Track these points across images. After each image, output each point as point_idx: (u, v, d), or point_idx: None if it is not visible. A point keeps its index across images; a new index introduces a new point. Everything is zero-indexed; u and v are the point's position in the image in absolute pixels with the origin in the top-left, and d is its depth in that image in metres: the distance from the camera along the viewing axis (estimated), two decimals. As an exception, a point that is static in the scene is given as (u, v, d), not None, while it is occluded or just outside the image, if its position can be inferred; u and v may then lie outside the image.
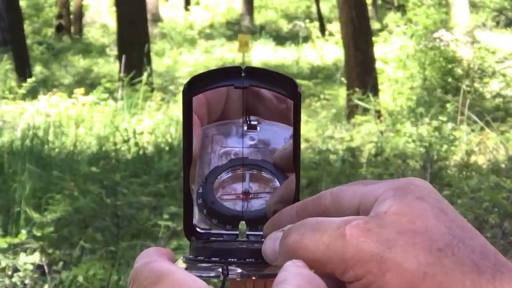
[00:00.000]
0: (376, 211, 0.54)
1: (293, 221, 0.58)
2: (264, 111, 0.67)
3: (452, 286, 0.50)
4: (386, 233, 0.52)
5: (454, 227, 0.52)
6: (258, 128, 0.66)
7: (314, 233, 0.53)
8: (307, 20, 20.89)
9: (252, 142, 0.66)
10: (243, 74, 0.64)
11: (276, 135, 0.66)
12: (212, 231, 0.64)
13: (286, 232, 0.56)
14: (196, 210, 0.64)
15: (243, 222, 0.64)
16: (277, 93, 0.64)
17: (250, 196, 0.65)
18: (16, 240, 4.48)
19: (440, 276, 0.50)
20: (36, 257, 4.20)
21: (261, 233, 0.63)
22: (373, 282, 0.51)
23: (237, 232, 0.64)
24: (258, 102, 0.67)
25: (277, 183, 0.65)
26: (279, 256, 0.56)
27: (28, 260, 4.14)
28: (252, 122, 0.66)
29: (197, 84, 0.64)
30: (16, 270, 4.13)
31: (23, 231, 4.71)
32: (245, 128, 0.66)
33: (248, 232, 0.64)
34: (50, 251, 4.57)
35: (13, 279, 4.04)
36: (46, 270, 4.19)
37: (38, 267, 4.23)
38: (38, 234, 4.75)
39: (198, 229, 0.64)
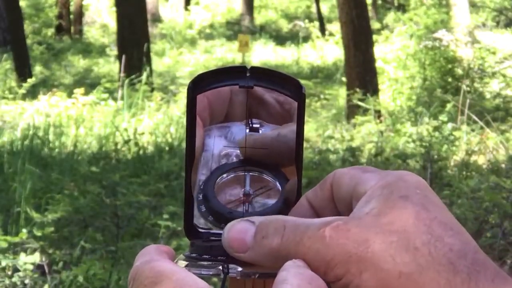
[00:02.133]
0: (358, 211, 0.55)
1: (307, 212, 0.60)
2: (266, 116, 0.67)
3: (427, 285, 0.51)
4: (365, 234, 0.52)
5: (435, 225, 0.53)
6: (260, 131, 0.66)
7: (294, 236, 0.54)
8: (307, 20, 20.89)
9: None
10: (248, 74, 0.64)
11: None
12: (212, 231, 0.64)
13: (264, 231, 0.56)
14: (196, 210, 0.64)
15: None
16: (281, 93, 0.64)
17: (251, 198, 0.65)
18: (16, 240, 4.48)
19: (415, 275, 0.51)
20: (36, 257, 4.20)
21: None
22: (351, 282, 0.52)
23: None
24: (260, 107, 0.67)
25: (278, 185, 0.65)
26: (251, 251, 0.56)
27: (28, 260, 4.14)
28: (255, 125, 0.66)
29: (202, 83, 0.64)
30: (16, 270, 4.13)
31: (24, 231, 4.71)
32: (247, 130, 0.66)
33: None
34: (50, 251, 4.57)
35: (13, 279, 4.04)
36: (46, 270, 4.19)
37: (38, 267, 4.23)
38: (38, 234, 4.75)
39: (198, 229, 0.64)
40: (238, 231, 0.56)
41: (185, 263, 0.59)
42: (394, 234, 0.52)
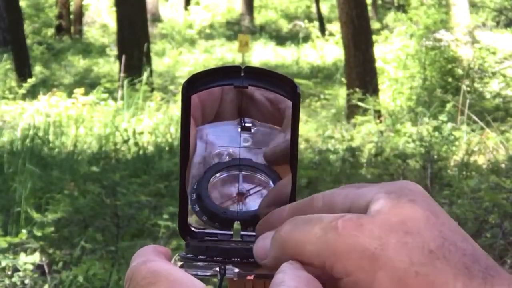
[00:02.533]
0: (369, 210, 0.54)
1: (283, 221, 0.58)
2: (257, 114, 0.67)
3: (444, 287, 0.51)
4: (378, 231, 0.52)
5: (445, 230, 0.53)
6: (253, 130, 0.66)
7: (305, 226, 0.54)
8: (307, 20, 20.88)
9: (246, 144, 0.66)
10: (242, 74, 0.64)
11: (270, 137, 0.66)
12: (207, 231, 0.64)
13: (280, 227, 0.56)
14: (190, 209, 0.64)
15: (238, 222, 0.64)
16: (276, 93, 0.64)
17: (245, 197, 0.65)
18: (16, 240, 4.48)
19: (432, 276, 0.51)
20: (36, 257, 4.20)
21: (254, 233, 0.63)
22: (363, 279, 0.51)
23: (232, 232, 0.64)
24: (251, 105, 0.67)
25: (271, 184, 0.65)
26: (269, 252, 0.56)
27: (28, 260, 4.14)
28: (247, 124, 0.66)
29: (196, 83, 0.64)
30: (16, 270, 4.13)
31: (24, 231, 4.71)
32: (239, 129, 0.66)
33: (242, 233, 0.64)
34: (50, 251, 4.57)
35: (13, 279, 4.04)
36: (46, 270, 4.19)
37: (38, 267, 4.23)
38: (38, 234, 4.75)
39: (192, 229, 0.64)
40: (262, 240, 0.57)
41: (181, 263, 0.59)
42: (408, 235, 0.52)
